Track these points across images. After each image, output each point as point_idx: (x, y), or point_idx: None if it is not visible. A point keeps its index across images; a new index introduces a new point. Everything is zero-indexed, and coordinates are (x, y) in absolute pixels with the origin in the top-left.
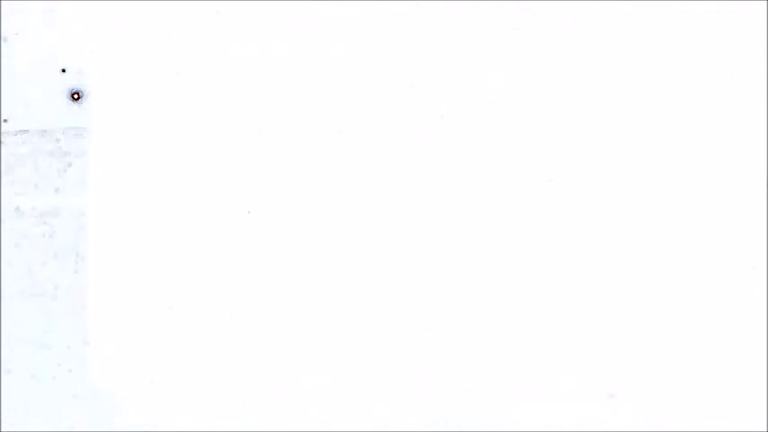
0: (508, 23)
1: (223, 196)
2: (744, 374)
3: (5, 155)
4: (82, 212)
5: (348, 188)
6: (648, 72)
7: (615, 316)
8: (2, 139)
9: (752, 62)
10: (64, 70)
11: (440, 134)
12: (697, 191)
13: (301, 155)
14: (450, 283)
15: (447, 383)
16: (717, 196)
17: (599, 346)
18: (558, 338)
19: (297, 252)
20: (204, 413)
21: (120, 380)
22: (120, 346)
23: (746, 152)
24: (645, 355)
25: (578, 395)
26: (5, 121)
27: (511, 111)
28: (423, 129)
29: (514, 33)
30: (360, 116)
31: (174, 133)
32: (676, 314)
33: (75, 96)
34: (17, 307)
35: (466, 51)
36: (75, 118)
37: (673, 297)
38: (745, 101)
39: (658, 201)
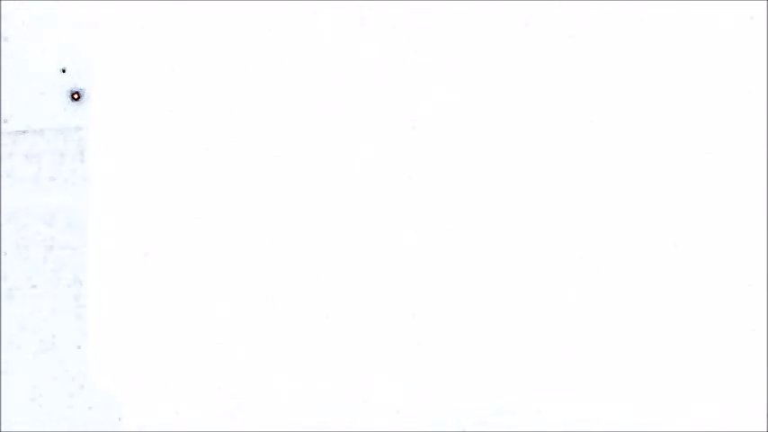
0: (508, 23)
1: (224, 196)
2: (744, 374)
3: (5, 155)
4: (82, 212)
5: (349, 187)
6: (647, 72)
7: (614, 316)
8: (2, 139)
9: (752, 62)
10: (64, 70)
11: (438, 134)
12: (696, 191)
13: (303, 154)
14: (452, 281)
15: (448, 383)
16: (716, 196)
17: (598, 345)
18: (555, 339)
19: (298, 251)
20: (204, 413)
21: (120, 380)
22: (120, 345)
23: (746, 152)
24: (644, 354)
25: (575, 395)
26: (5, 121)
27: (510, 110)
28: (422, 128)
29: (514, 33)
30: (362, 116)
31: (175, 133)
32: (674, 314)
33: (75, 96)
34: (17, 307)
35: (465, 51)
36: (75, 118)
37: (671, 297)
38: (745, 101)
39: (660, 198)
